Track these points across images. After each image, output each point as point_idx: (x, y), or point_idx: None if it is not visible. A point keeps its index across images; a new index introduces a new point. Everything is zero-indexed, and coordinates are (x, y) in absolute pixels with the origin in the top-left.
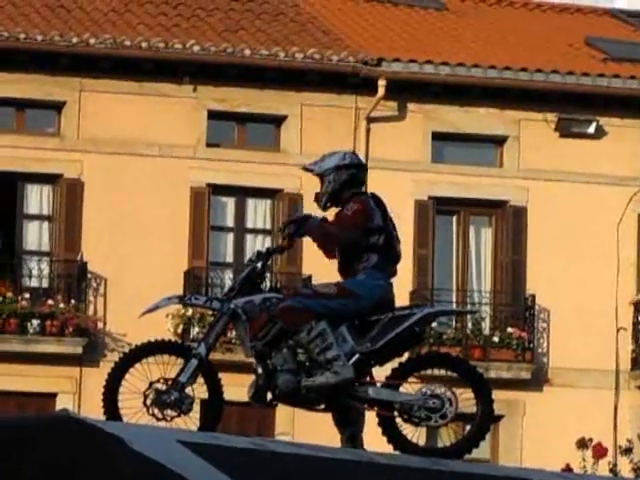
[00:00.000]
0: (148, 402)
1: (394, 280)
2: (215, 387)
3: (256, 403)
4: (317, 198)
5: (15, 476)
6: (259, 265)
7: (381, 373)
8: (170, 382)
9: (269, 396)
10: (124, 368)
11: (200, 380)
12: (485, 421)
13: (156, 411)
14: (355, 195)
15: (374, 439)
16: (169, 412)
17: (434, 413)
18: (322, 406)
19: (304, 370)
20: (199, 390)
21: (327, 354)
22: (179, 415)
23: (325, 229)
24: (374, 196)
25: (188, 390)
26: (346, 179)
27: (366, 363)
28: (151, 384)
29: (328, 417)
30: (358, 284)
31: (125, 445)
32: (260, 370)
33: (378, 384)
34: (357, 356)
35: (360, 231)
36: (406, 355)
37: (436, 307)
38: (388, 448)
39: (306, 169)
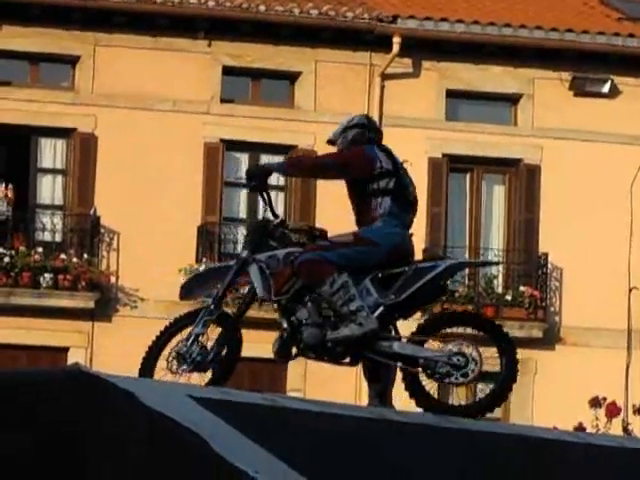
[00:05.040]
0: (169, 363)
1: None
2: (231, 340)
3: (281, 359)
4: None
5: (26, 429)
6: (275, 219)
7: (405, 330)
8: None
9: (294, 351)
10: (167, 337)
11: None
12: (509, 382)
13: (174, 367)
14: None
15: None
16: (184, 367)
17: (456, 370)
18: (347, 360)
19: (329, 323)
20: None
21: (350, 306)
22: (193, 370)
23: (294, 158)
24: (379, 145)
25: (207, 346)
26: (354, 138)
27: (390, 315)
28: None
29: (340, 374)
30: (374, 231)
31: (136, 400)
32: (285, 324)
33: (403, 339)
34: (381, 308)
35: (354, 167)
36: (433, 311)
37: (459, 259)
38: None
39: (328, 142)
